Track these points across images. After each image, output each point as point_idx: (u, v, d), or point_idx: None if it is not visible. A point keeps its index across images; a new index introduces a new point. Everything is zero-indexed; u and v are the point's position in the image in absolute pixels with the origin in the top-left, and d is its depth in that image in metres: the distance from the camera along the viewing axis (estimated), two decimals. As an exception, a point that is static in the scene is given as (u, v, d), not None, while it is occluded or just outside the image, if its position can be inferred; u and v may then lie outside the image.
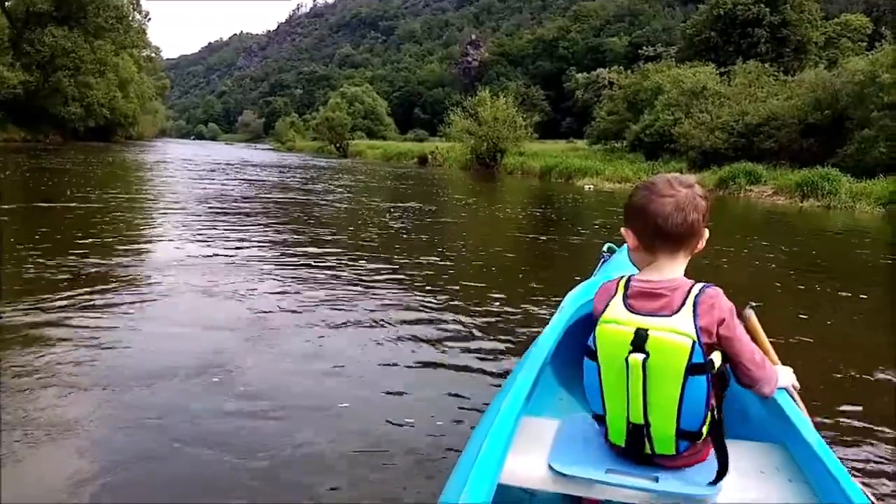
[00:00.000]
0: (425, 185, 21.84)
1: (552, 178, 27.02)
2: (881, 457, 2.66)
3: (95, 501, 2.13)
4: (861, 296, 6.04)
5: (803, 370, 1.85)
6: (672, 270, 1.53)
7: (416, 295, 5.13)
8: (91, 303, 4.41)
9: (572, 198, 18.44)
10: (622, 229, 1.60)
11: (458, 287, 5.55)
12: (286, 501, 2.19)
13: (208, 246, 6.96)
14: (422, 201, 14.68)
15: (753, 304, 2.03)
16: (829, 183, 17.13)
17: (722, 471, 1.48)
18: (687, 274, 1.55)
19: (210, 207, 10.95)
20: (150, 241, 7.57)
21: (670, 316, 1.45)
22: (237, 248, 6.94)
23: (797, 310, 5.36)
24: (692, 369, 1.43)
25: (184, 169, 23.50)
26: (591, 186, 23.16)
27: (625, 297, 1.51)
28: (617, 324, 1.49)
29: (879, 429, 2.91)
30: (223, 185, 16.60)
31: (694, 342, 1.42)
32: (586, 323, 1.71)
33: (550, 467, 1.55)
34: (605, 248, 3.26)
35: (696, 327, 1.43)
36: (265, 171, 25.28)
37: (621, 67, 49.44)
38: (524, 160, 31.94)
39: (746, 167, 20.94)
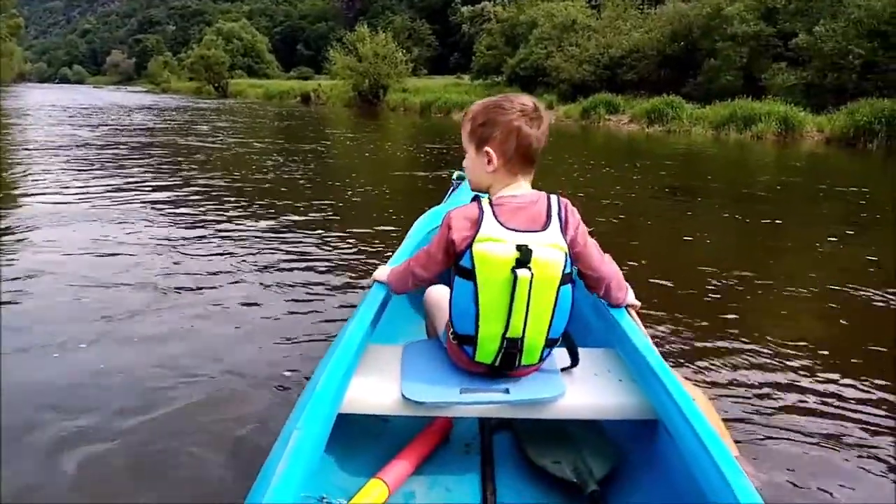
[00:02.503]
0: (307, 125, 21.82)
1: (432, 114, 27.57)
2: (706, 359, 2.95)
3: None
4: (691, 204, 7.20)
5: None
6: (528, 186, 1.62)
7: (292, 235, 5.20)
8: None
9: (449, 134, 19.09)
10: (480, 150, 1.60)
11: (336, 226, 5.60)
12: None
13: (77, 198, 6.67)
14: (299, 141, 14.87)
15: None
16: (672, 109, 18.92)
17: (574, 362, 1.69)
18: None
19: (78, 157, 10.39)
20: (10, 194, 7.01)
21: (544, 230, 1.51)
22: (110, 197, 6.70)
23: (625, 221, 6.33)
24: (563, 279, 1.52)
25: (46, 116, 22.13)
26: (469, 120, 23.87)
27: (494, 215, 1.52)
28: (495, 242, 1.49)
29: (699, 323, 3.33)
30: (91, 131, 15.91)
31: (566, 254, 1.52)
32: None
33: (404, 396, 1.56)
34: (454, 176, 3.22)
35: (565, 239, 1.53)
36: (138, 114, 24.29)
37: (505, 0, 49.75)
38: (406, 96, 32.21)
39: (605, 98, 22.43)
